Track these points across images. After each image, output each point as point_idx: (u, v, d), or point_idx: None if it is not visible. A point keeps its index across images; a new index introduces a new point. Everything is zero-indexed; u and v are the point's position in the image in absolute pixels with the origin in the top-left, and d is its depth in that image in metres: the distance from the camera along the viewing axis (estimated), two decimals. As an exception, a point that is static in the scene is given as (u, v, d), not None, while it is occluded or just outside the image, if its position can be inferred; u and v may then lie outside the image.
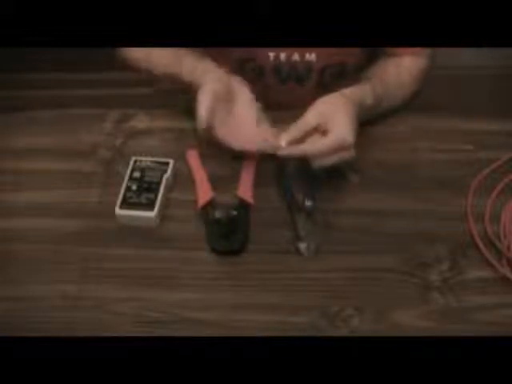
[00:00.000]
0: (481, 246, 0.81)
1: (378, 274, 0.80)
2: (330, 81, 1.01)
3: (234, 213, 0.82)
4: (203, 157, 0.90)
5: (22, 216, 0.86)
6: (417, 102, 1.00)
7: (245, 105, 0.84)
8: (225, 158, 0.89)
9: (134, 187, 0.85)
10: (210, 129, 0.81)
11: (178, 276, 0.80)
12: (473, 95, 1.02)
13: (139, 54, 0.96)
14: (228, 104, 0.83)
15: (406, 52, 0.99)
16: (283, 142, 0.80)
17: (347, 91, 0.85)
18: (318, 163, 0.81)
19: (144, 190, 0.85)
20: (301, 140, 0.81)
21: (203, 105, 0.80)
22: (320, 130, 0.81)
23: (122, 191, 0.85)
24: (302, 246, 0.81)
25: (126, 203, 0.84)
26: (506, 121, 0.97)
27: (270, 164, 0.90)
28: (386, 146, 0.94)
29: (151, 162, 0.89)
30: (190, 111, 0.85)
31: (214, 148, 0.86)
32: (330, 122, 0.80)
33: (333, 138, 0.79)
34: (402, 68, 0.98)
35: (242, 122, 0.83)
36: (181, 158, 0.90)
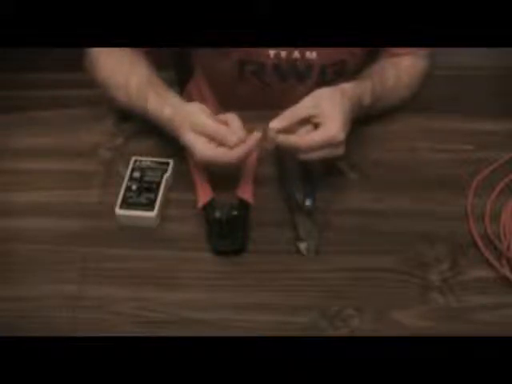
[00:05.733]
0: (481, 245, 0.81)
1: (377, 274, 0.80)
2: (331, 79, 1.01)
3: (234, 213, 0.82)
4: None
5: (22, 216, 0.86)
6: (417, 101, 1.00)
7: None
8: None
9: (134, 187, 0.85)
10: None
11: (178, 276, 0.80)
12: (473, 95, 1.02)
13: (103, 75, 0.94)
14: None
15: (405, 52, 0.99)
16: (272, 127, 0.79)
17: (347, 86, 0.85)
18: (304, 157, 0.80)
19: (144, 190, 0.85)
20: (291, 128, 0.80)
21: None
22: (312, 122, 0.80)
23: (122, 191, 0.85)
24: (302, 245, 0.81)
25: (126, 203, 0.84)
26: (506, 121, 0.97)
27: (270, 164, 0.90)
28: (386, 145, 0.94)
29: (151, 161, 0.89)
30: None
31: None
32: (323, 116, 0.80)
33: (323, 133, 0.79)
34: (402, 68, 0.98)
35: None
36: (181, 158, 0.90)
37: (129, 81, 0.90)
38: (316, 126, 0.80)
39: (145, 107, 0.87)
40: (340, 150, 0.81)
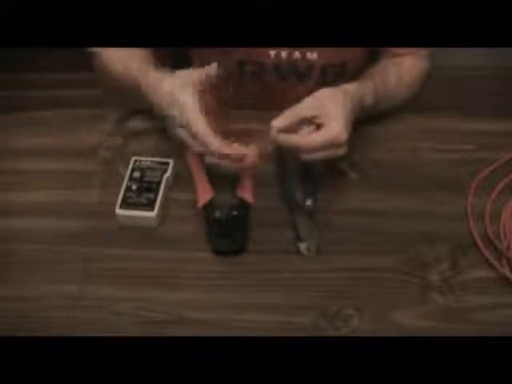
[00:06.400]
0: (481, 245, 0.81)
1: (377, 274, 0.80)
2: (331, 80, 1.00)
3: (234, 213, 0.82)
4: (203, 156, 0.90)
5: (22, 216, 0.86)
6: (417, 102, 1.00)
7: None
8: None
9: (134, 187, 0.85)
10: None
11: (178, 276, 0.80)
12: (473, 95, 1.02)
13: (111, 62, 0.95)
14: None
15: (406, 53, 0.99)
16: (274, 125, 0.79)
17: (349, 87, 0.85)
18: (306, 157, 0.80)
19: (144, 190, 0.85)
20: (293, 128, 0.80)
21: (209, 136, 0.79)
22: (314, 122, 0.80)
23: (122, 191, 0.85)
24: (302, 245, 0.81)
25: (126, 203, 0.84)
26: (506, 121, 0.97)
27: (270, 164, 0.90)
28: (387, 145, 0.94)
29: (151, 161, 0.89)
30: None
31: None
32: (325, 116, 0.79)
33: (325, 134, 0.79)
34: (403, 68, 0.98)
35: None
36: (181, 158, 0.90)
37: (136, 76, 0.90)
38: (318, 126, 0.80)
39: (145, 82, 0.86)
40: (342, 151, 0.81)
